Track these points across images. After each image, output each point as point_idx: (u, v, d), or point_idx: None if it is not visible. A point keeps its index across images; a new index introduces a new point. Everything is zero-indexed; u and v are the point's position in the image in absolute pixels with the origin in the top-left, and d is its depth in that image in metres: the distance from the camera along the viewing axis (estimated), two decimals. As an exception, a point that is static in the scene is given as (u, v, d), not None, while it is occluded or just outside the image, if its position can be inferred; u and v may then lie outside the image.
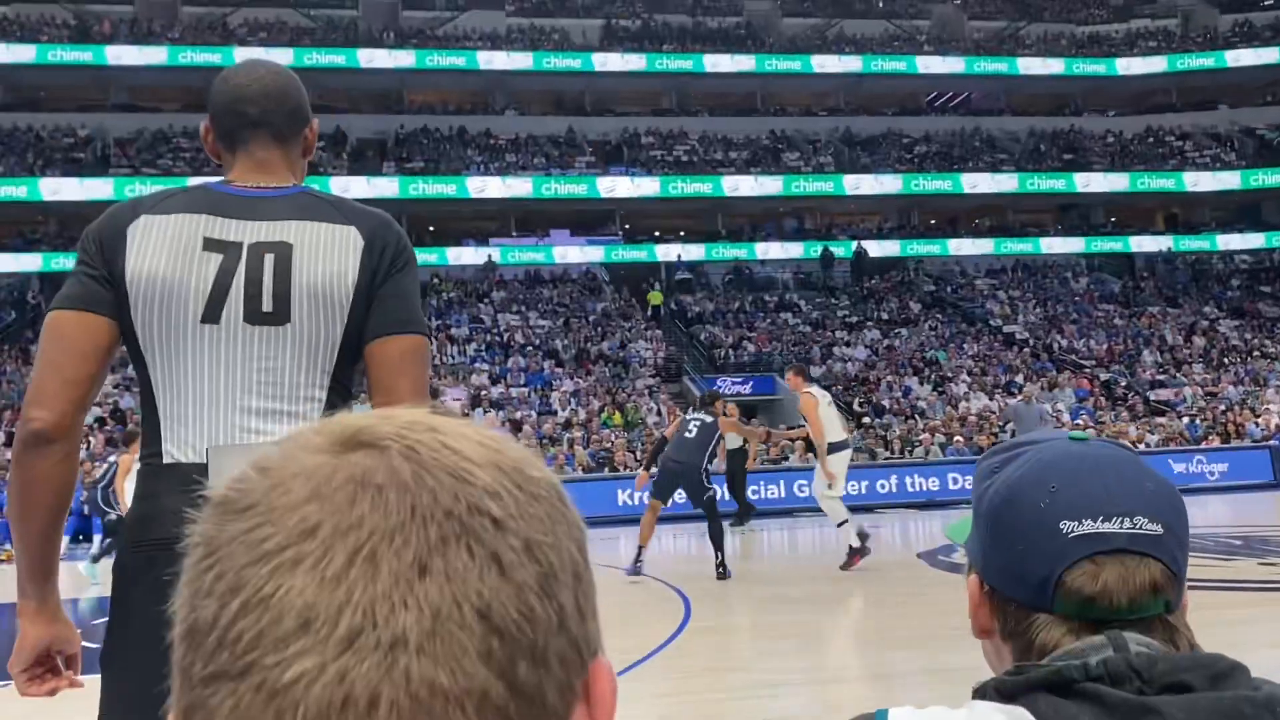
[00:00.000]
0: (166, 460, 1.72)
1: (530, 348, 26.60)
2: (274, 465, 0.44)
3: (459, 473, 0.43)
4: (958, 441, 20.66)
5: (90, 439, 18.00)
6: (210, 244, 1.74)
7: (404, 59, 35.34)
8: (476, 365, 25.33)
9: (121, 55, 33.57)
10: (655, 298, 30.98)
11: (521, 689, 0.41)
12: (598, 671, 0.45)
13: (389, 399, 1.73)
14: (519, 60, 35.78)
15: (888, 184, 34.82)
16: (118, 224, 1.76)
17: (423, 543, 0.41)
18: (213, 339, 1.72)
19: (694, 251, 33.78)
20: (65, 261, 31.03)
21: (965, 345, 27.88)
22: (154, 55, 33.86)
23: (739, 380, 25.36)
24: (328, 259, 1.76)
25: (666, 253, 33.59)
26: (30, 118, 33.85)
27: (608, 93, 37.60)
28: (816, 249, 33.82)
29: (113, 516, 11.53)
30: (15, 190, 30.65)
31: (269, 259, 1.74)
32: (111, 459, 12.26)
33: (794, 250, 34.34)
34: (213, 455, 1.69)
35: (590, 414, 22.63)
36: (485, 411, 22.00)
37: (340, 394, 1.80)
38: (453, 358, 25.94)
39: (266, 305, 1.73)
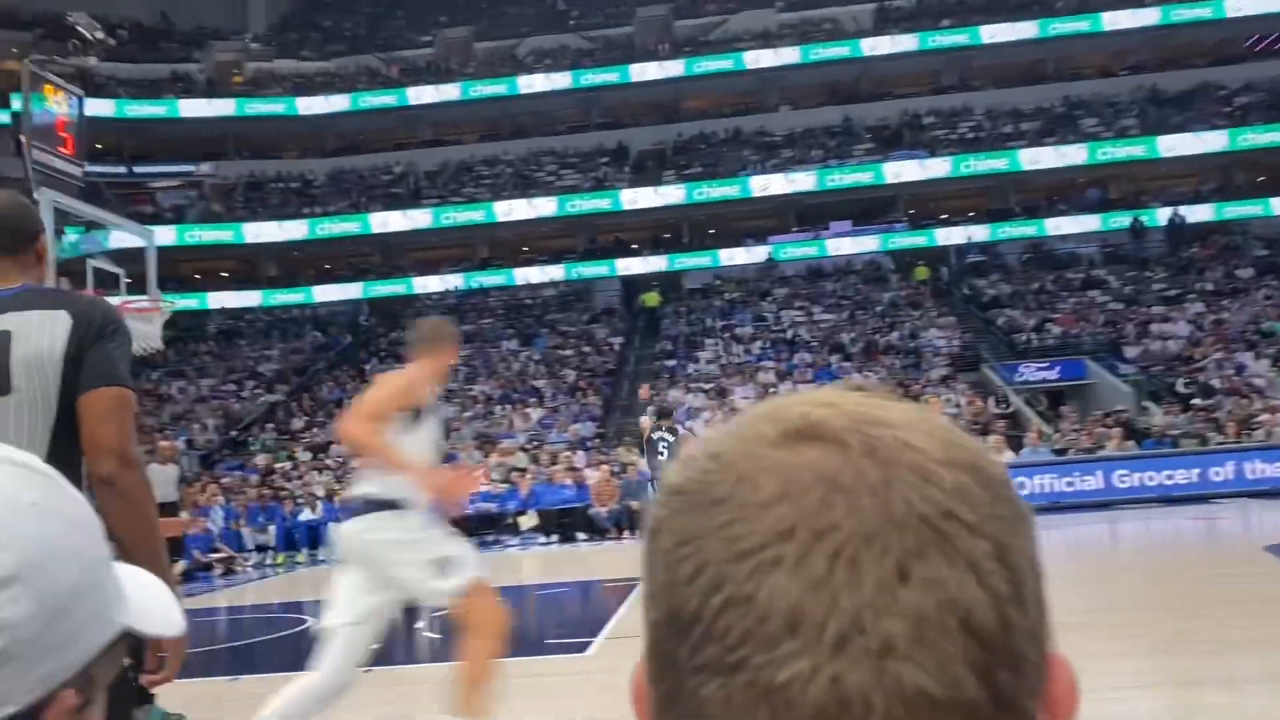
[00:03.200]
0: None
1: (815, 343, 26.37)
2: (733, 458, 0.44)
3: (926, 474, 0.43)
4: (1306, 422, 18.36)
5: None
6: None
7: (674, 68, 36.16)
8: (762, 363, 25.42)
9: (421, 95, 36.68)
10: (921, 272, 30.08)
11: (1002, 698, 0.40)
12: (1056, 670, 0.45)
13: (94, 443, 2.14)
14: (787, 55, 35.64)
15: (1210, 141, 31.56)
16: None
17: (901, 548, 0.41)
18: None
19: (979, 232, 32.22)
20: (383, 288, 34.24)
21: (1309, 313, 24.76)
22: (449, 92, 36.72)
23: (1044, 365, 23.86)
24: (39, 338, 2.18)
25: (947, 236, 32.26)
26: (352, 160, 37.68)
27: (883, 77, 36.65)
28: (1117, 219, 31.24)
29: None
30: (350, 226, 34.23)
31: None
32: None
33: (1090, 223, 31.85)
34: None
35: (883, 407, 22.11)
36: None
37: (65, 442, 2.16)
38: (738, 357, 26.19)
39: None
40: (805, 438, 0.44)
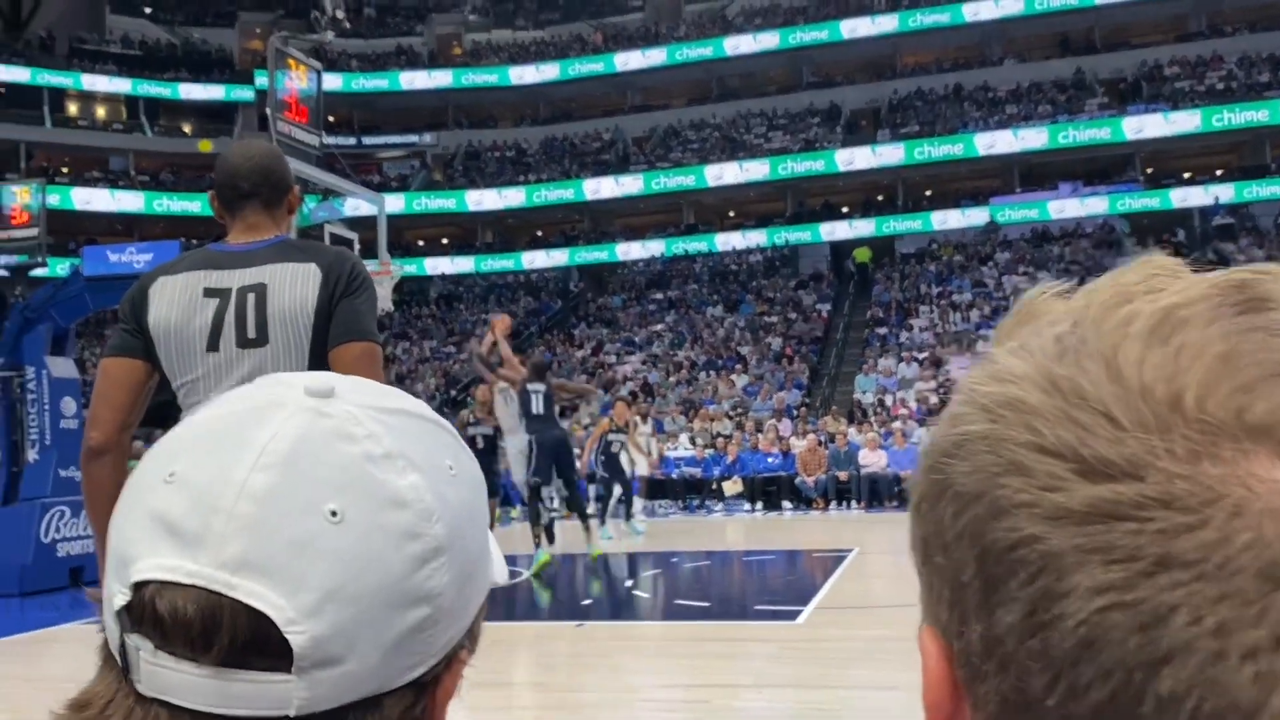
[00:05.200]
0: None
1: (1040, 310, 24.94)
2: (1189, 480, 0.30)
3: None
4: None
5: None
6: (209, 292, 2.28)
7: (886, 24, 34.80)
8: (982, 332, 24.27)
9: (628, 61, 36.89)
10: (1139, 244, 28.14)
11: None
12: None
13: None
14: (1010, 5, 33.64)
15: None
16: (143, 287, 2.32)
17: None
18: (215, 362, 2.26)
19: (1223, 193, 29.49)
20: (588, 254, 34.81)
21: None
22: (655, 57, 36.76)
23: (1300, 337, 21.65)
24: (292, 291, 2.26)
25: (1184, 197, 29.72)
26: (564, 128, 38.45)
27: (1121, 25, 34.06)
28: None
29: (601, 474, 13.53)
30: (564, 193, 35.00)
31: (251, 297, 2.26)
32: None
33: (1363, 180, 28.55)
34: None
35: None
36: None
37: None
38: (955, 325, 25.12)
39: (251, 333, 2.26)
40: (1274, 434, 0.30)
